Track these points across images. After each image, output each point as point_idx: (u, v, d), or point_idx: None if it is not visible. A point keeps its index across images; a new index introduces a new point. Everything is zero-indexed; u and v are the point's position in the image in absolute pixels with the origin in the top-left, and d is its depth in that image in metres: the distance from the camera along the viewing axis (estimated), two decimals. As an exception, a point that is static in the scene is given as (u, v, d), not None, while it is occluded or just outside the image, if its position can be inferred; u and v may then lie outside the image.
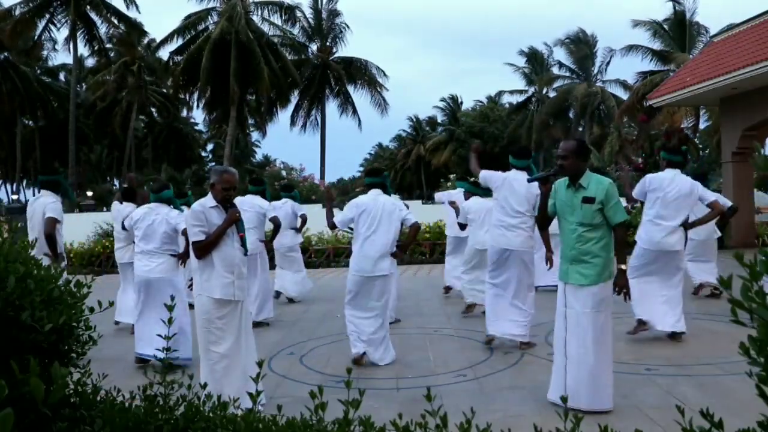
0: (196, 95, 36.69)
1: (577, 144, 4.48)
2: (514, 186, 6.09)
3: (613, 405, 4.25)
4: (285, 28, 35.30)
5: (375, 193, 5.80)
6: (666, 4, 32.48)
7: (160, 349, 2.17)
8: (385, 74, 38.49)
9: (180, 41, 34.47)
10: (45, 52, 41.94)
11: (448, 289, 9.67)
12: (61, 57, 43.29)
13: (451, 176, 23.81)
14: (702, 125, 30.88)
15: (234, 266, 4.50)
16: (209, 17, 34.15)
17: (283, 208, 9.29)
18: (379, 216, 5.65)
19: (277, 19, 35.02)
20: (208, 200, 4.54)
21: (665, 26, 32.08)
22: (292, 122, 38.89)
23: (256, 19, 34.51)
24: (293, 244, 9.64)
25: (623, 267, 4.32)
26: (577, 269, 4.28)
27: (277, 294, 9.63)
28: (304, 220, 9.69)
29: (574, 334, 4.28)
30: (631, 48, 33.23)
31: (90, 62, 41.64)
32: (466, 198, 8.33)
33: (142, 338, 5.96)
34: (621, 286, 4.30)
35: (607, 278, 4.27)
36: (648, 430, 3.74)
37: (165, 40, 34.79)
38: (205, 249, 4.40)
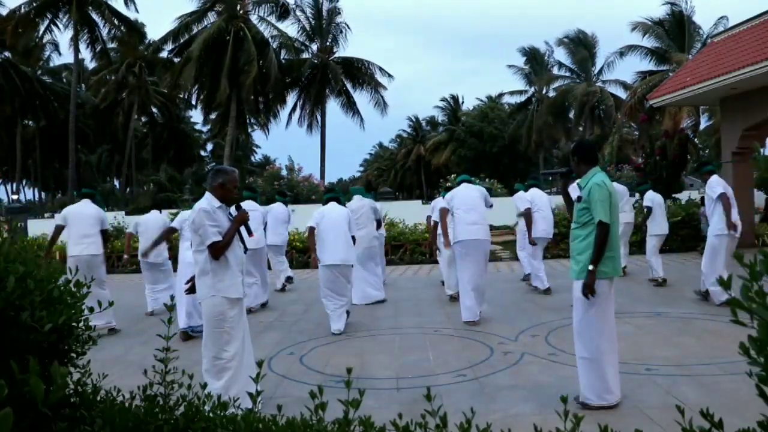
0: (194, 95, 36.74)
1: (574, 146, 4.69)
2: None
3: (609, 403, 4.26)
4: (282, 29, 35.29)
5: (332, 204, 7.75)
6: (665, 4, 32.35)
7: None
8: (389, 75, 38.39)
9: (179, 41, 34.47)
10: (47, 53, 41.90)
11: None
12: (63, 58, 43.26)
13: (451, 176, 23.78)
14: (703, 125, 30.91)
15: (242, 265, 4.58)
16: (206, 17, 34.14)
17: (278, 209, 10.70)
18: (334, 220, 7.49)
19: (275, 19, 35.06)
20: (213, 201, 4.47)
21: (664, 26, 32.08)
22: (292, 122, 38.90)
23: (254, 18, 34.54)
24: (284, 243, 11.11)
25: (590, 267, 4.24)
26: (571, 264, 4.48)
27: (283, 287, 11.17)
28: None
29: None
30: (630, 48, 33.24)
31: (91, 62, 41.64)
32: None
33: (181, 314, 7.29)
34: (586, 286, 4.26)
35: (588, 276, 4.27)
36: (648, 430, 3.74)
37: (163, 40, 34.78)
38: (222, 249, 4.37)
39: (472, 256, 7.54)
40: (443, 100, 60.87)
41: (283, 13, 34.96)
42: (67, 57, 40.50)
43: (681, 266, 12.21)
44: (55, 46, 40.77)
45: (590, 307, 4.32)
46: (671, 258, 13.21)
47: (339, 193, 8.19)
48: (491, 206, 7.96)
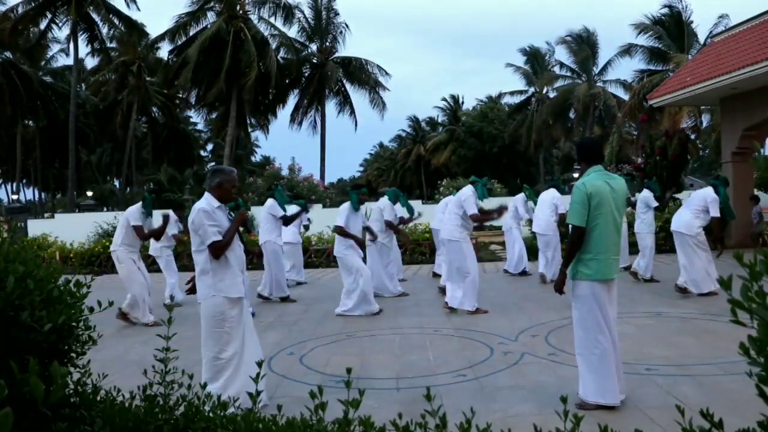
0: (194, 95, 36.69)
1: (576, 144, 4.77)
2: None
3: (607, 403, 4.25)
4: (282, 29, 35.25)
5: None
6: (665, 4, 32.36)
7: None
8: (387, 73, 38.32)
9: (178, 40, 34.44)
10: (49, 53, 41.80)
11: None
12: (65, 59, 43.02)
13: (443, 181, 23.63)
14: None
15: (242, 264, 4.59)
16: (205, 17, 34.11)
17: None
18: None
19: (275, 19, 35.04)
20: (212, 200, 4.49)
21: (664, 25, 32.07)
22: (292, 122, 38.82)
23: (254, 18, 34.51)
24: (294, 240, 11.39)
25: (560, 267, 4.45)
26: None
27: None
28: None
29: None
30: (630, 47, 33.21)
31: (91, 62, 41.58)
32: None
33: None
34: (555, 284, 4.47)
35: (573, 276, 4.35)
36: (648, 430, 3.75)
37: (161, 38, 34.74)
38: (223, 249, 4.38)
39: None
40: (443, 100, 60.93)
41: (288, 15, 34.94)
42: (69, 58, 40.28)
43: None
44: (58, 47, 40.75)
45: (582, 307, 4.37)
46: (672, 258, 13.19)
47: (350, 190, 9.14)
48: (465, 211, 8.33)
